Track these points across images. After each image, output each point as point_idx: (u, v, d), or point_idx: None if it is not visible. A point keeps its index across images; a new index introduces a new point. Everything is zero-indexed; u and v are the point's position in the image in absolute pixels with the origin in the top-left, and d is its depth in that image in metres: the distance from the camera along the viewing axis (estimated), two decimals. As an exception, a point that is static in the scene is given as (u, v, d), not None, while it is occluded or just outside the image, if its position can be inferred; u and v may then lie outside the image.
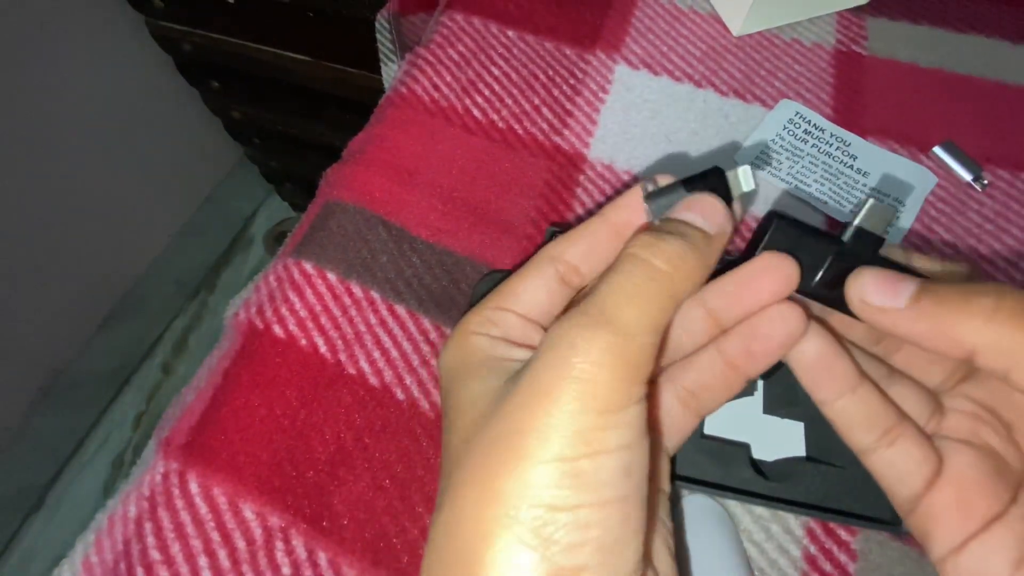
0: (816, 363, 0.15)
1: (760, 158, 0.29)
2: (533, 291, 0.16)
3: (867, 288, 0.14)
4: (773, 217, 0.16)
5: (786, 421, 0.23)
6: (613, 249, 0.16)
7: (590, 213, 0.28)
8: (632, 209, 0.16)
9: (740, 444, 0.22)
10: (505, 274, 0.25)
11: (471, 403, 0.14)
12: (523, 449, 0.12)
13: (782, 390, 0.22)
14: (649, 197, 0.16)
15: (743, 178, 0.15)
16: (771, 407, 0.23)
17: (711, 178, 0.15)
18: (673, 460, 0.18)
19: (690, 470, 0.21)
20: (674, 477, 0.20)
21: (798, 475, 0.21)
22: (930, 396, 0.17)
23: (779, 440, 0.22)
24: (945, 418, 0.16)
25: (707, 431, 0.22)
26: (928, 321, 0.13)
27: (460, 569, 0.12)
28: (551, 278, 0.17)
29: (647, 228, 0.16)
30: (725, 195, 0.15)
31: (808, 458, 0.22)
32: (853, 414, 0.16)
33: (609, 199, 0.28)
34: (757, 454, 0.22)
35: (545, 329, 0.17)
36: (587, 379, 0.12)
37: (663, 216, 0.15)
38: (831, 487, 0.20)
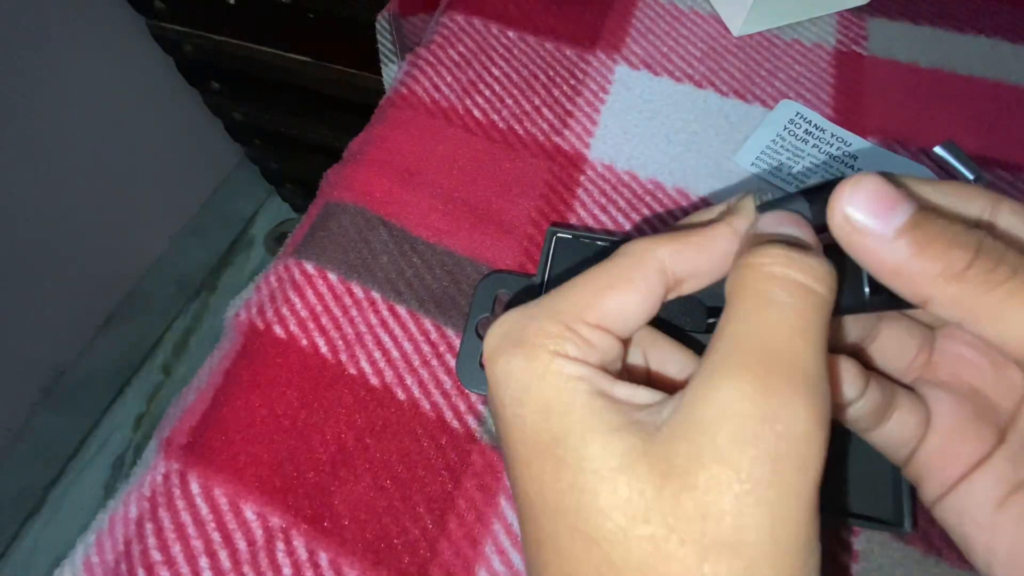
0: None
1: (760, 158, 0.29)
2: (638, 308, 0.13)
3: (857, 198, 0.12)
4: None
5: None
6: (725, 262, 0.14)
7: (591, 213, 0.28)
8: (748, 218, 0.14)
9: None
10: (508, 274, 0.26)
11: (614, 470, 0.11)
12: (741, 558, 0.10)
13: None
14: (763, 207, 0.14)
15: None
16: None
17: (829, 188, 0.13)
18: None
19: None
20: None
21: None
22: (924, 330, 0.16)
23: None
24: (931, 360, 0.16)
25: None
26: (904, 257, 0.11)
27: None
28: (658, 293, 0.13)
29: (759, 240, 0.13)
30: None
31: None
32: (857, 411, 0.15)
33: (609, 199, 0.28)
34: None
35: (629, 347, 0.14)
36: (802, 465, 0.10)
37: (766, 232, 0.13)
38: (832, 487, 0.20)
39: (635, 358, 0.16)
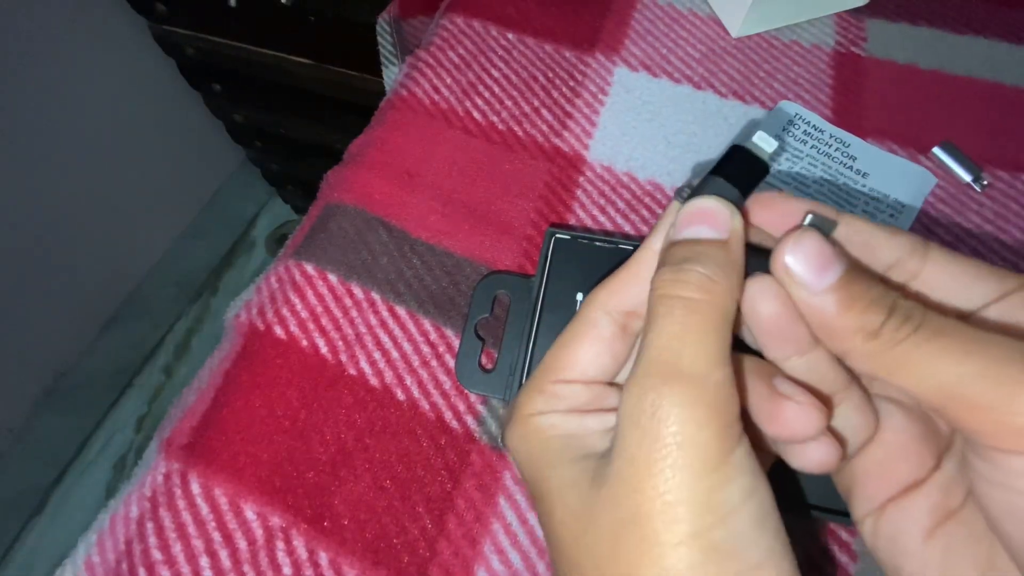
0: (770, 323, 0.14)
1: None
2: (593, 355, 0.15)
3: (797, 256, 0.13)
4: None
5: None
6: None
7: (590, 214, 0.28)
8: (669, 227, 0.15)
9: None
10: (507, 275, 0.26)
11: (565, 490, 0.14)
12: (652, 536, 0.12)
13: None
14: (687, 200, 0.15)
15: (762, 143, 0.15)
16: None
17: (737, 157, 0.15)
18: None
19: None
20: None
21: (799, 475, 0.21)
22: None
23: None
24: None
25: None
26: (833, 314, 0.13)
27: None
28: (608, 336, 0.15)
29: (668, 251, 0.14)
30: (754, 168, 0.15)
31: None
32: (800, 376, 0.14)
33: (608, 200, 0.28)
34: None
35: (614, 384, 0.16)
36: (684, 442, 0.12)
37: (670, 241, 0.15)
38: (831, 487, 0.20)
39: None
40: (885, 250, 0.14)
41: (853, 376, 0.15)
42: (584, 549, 0.13)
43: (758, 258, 0.14)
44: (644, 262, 0.15)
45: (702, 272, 0.13)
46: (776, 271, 0.13)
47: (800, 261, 0.13)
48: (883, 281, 0.14)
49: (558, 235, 0.25)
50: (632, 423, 0.12)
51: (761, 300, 0.14)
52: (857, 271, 0.13)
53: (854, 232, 0.14)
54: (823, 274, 0.13)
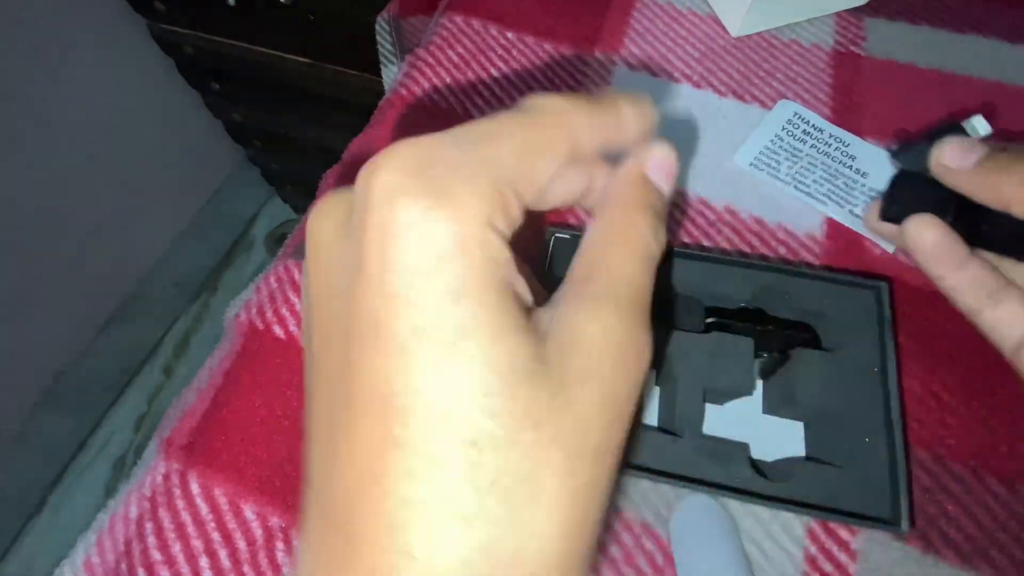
0: (934, 247, 0.20)
1: (759, 159, 0.29)
2: (546, 178, 0.12)
3: (946, 153, 0.20)
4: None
5: (786, 421, 0.23)
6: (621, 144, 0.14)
7: (589, 215, 0.28)
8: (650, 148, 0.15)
9: (739, 444, 0.22)
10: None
11: (510, 375, 0.11)
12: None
13: (782, 390, 0.22)
14: (898, 152, 0.22)
15: (979, 125, 0.21)
16: (771, 407, 0.23)
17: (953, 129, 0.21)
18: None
19: (690, 470, 0.21)
20: (672, 475, 0.20)
21: (798, 475, 0.21)
22: None
23: (779, 440, 0.22)
24: None
25: (706, 431, 0.22)
26: (982, 179, 0.19)
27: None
28: (559, 165, 0.13)
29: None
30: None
31: (808, 458, 0.22)
32: (964, 282, 0.20)
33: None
34: (756, 454, 0.22)
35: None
36: (633, 378, 0.12)
37: (642, 172, 0.15)
38: (831, 487, 0.20)
39: (576, 186, 0.15)
40: None
41: (1009, 281, 0.20)
42: (524, 456, 0.10)
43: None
44: (630, 127, 0.14)
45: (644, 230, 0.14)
46: (935, 169, 0.20)
47: (949, 154, 0.20)
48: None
49: (558, 235, 0.25)
50: (622, 362, 0.12)
51: (924, 230, 0.21)
52: (995, 151, 0.19)
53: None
54: (967, 156, 0.19)
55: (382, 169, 0.11)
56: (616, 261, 0.13)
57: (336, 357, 0.11)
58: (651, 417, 0.23)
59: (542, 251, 0.25)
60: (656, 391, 0.23)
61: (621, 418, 0.12)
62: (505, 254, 0.11)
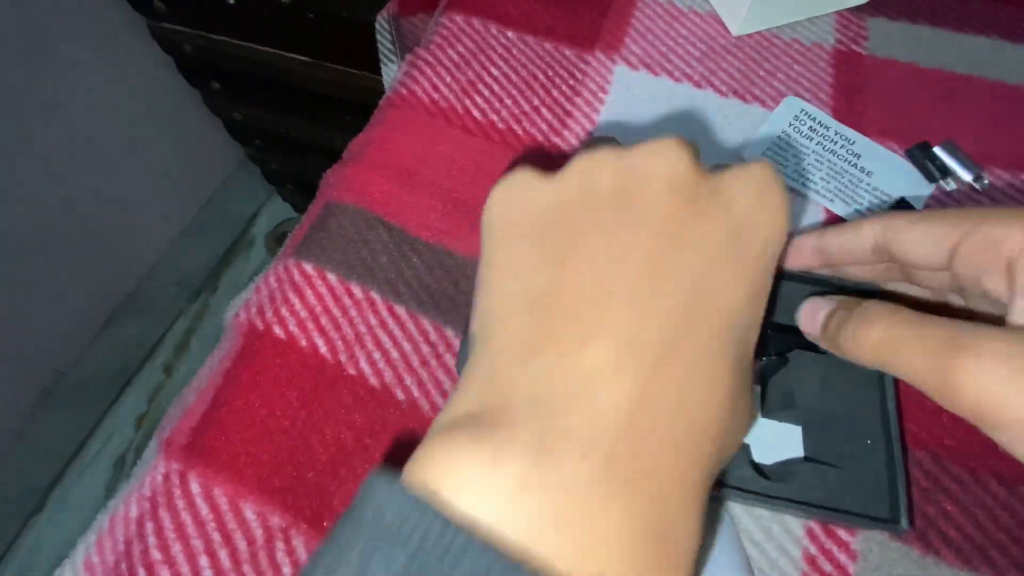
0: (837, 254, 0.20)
1: (767, 154, 0.29)
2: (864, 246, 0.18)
3: (800, 319, 0.19)
4: None
5: (784, 425, 0.23)
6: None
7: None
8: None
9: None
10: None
11: None
12: None
13: (780, 393, 0.22)
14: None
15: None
16: (769, 411, 0.23)
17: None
18: None
19: None
20: None
21: (798, 475, 0.21)
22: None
23: (778, 443, 0.22)
24: None
25: None
26: (828, 342, 0.18)
27: None
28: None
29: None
30: None
31: (807, 459, 0.22)
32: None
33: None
34: (756, 457, 0.22)
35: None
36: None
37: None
38: (831, 487, 0.20)
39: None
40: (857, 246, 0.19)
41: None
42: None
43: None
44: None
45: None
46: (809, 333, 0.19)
47: (803, 321, 0.19)
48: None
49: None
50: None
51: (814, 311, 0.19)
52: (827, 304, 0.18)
53: (830, 245, 0.19)
54: (815, 322, 0.18)
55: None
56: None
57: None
58: None
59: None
60: None
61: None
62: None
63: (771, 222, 0.16)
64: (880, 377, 0.22)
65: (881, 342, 0.15)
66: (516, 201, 0.16)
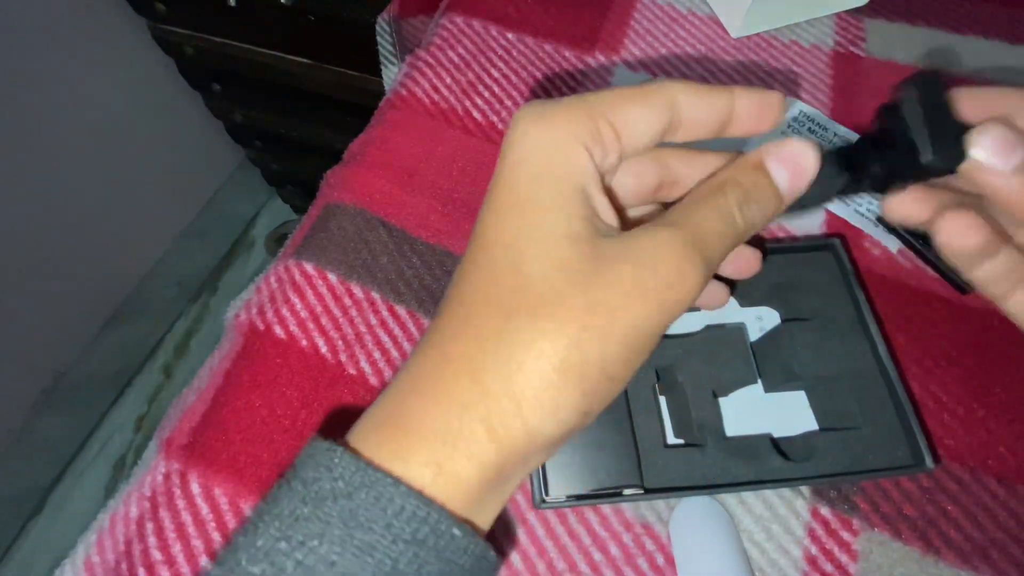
0: (972, 251, 0.16)
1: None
2: (647, 127, 0.15)
3: (985, 146, 0.15)
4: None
5: (788, 393, 0.23)
6: (720, 122, 0.16)
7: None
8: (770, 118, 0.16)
9: (761, 436, 0.22)
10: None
11: (552, 236, 0.14)
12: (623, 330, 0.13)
13: (776, 367, 0.23)
14: (827, 157, 0.15)
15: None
16: (770, 385, 0.23)
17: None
18: None
19: (721, 476, 0.21)
20: (706, 486, 0.21)
21: (820, 450, 0.21)
22: None
23: (789, 413, 0.23)
24: None
25: (727, 432, 0.22)
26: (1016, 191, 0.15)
27: None
28: (664, 122, 0.15)
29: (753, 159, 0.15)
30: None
31: (823, 429, 0.22)
32: (993, 272, 0.16)
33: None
34: (777, 433, 0.22)
35: (619, 208, 0.16)
36: (671, 298, 0.13)
37: (767, 147, 0.15)
38: (853, 451, 0.21)
39: (647, 177, 0.17)
40: None
41: None
42: (557, 293, 0.13)
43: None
44: (728, 104, 0.16)
45: (759, 213, 0.15)
46: (969, 171, 0.15)
47: (987, 149, 0.15)
48: None
49: None
50: (658, 258, 0.14)
51: (960, 237, 0.16)
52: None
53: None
54: (1009, 157, 0.15)
55: (516, 113, 0.15)
56: (695, 207, 0.15)
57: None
58: (668, 433, 0.23)
59: None
60: (662, 401, 0.23)
61: (639, 340, 0.13)
62: (584, 166, 0.14)
63: None
64: (862, 326, 0.23)
65: None
66: None
